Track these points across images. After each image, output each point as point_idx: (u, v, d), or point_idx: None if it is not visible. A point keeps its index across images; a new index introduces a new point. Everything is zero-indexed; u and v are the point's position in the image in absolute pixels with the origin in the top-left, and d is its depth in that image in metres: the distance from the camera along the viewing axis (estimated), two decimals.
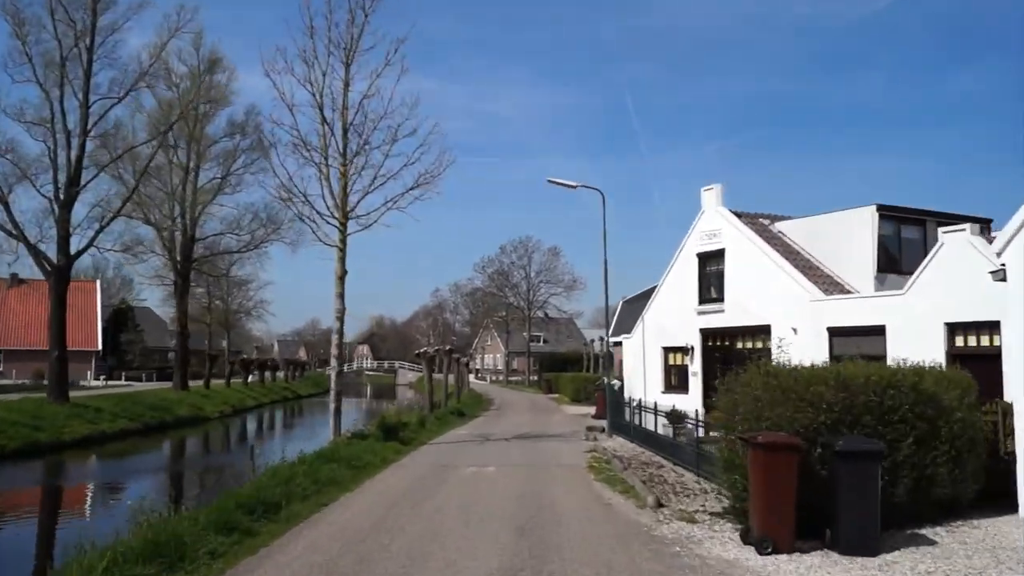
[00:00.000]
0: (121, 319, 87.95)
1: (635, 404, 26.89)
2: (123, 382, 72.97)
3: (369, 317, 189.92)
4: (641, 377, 33.56)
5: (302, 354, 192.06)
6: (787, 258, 25.78)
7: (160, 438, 42.00)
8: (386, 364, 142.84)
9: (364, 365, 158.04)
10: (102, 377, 70.87)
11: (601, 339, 65.67)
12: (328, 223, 25.78)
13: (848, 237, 25.39)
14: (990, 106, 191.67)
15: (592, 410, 42.90)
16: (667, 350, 32.22)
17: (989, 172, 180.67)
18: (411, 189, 25.77)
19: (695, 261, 29.46)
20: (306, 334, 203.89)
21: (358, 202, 25.77)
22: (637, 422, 26.18)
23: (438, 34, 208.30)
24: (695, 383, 29.19)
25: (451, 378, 52.00)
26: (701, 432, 19.08)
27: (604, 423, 31.20)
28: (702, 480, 16.83)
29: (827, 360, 17.27)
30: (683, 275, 30.08)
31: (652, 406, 25.29)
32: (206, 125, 58.20)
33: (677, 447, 20.71)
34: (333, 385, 26.62)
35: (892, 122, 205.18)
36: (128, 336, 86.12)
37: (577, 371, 72.63)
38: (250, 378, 76.85)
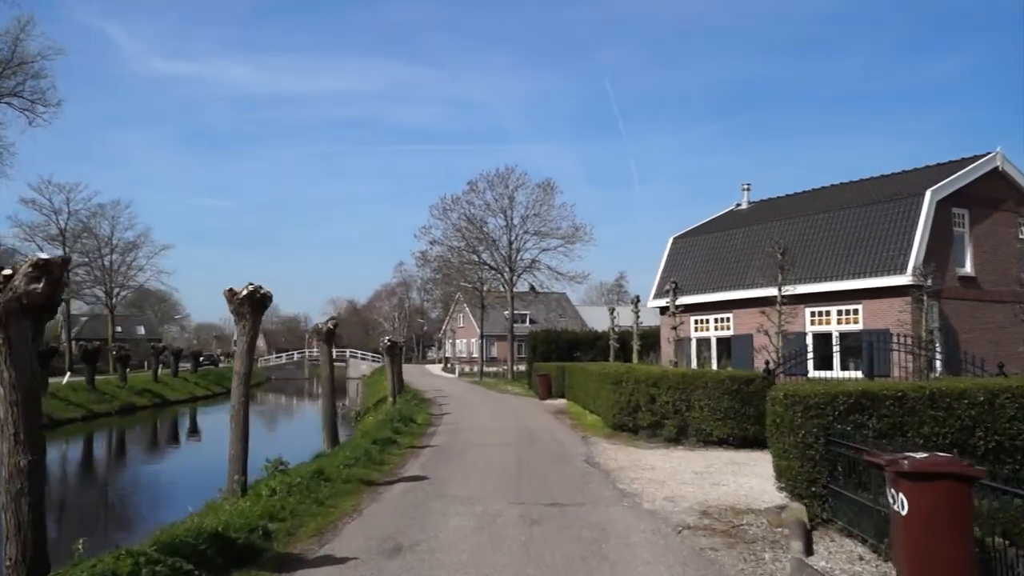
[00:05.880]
0: None
1: None
2: None
3: (329, 300, 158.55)
4: None
5: (260, 343, 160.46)
6: None
7: None
8: (334, 353, 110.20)
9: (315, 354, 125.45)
10: None
11: (637, 302, 33.51)
12: None
13: None
14: (967, 89, 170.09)
15: (686, 461, 11.38)
16: None
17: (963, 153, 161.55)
18: None
19: None
20: (265, 322, 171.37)
21: None
22: None
23: (412, 18, 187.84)
24: None
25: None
26: None
27: None
28: None
29: None
30: None
31: None
32: None
33: None
34: None
35: (874, 105, 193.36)
36: None
37: (592, 358, 40.66)
38: (67, 377, 44.53)
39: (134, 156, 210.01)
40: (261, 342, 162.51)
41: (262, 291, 12.51)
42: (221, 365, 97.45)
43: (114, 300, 73.30)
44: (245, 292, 12.37)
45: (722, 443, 18.46)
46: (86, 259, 70.62)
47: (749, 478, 14.26)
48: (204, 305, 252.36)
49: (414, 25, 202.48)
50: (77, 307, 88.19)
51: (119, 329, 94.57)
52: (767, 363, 19.91)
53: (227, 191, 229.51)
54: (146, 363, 63.10)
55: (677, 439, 19.18)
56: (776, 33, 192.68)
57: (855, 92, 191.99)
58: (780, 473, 10.90)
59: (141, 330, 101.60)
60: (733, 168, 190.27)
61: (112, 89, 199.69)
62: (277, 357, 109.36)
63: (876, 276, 26.28)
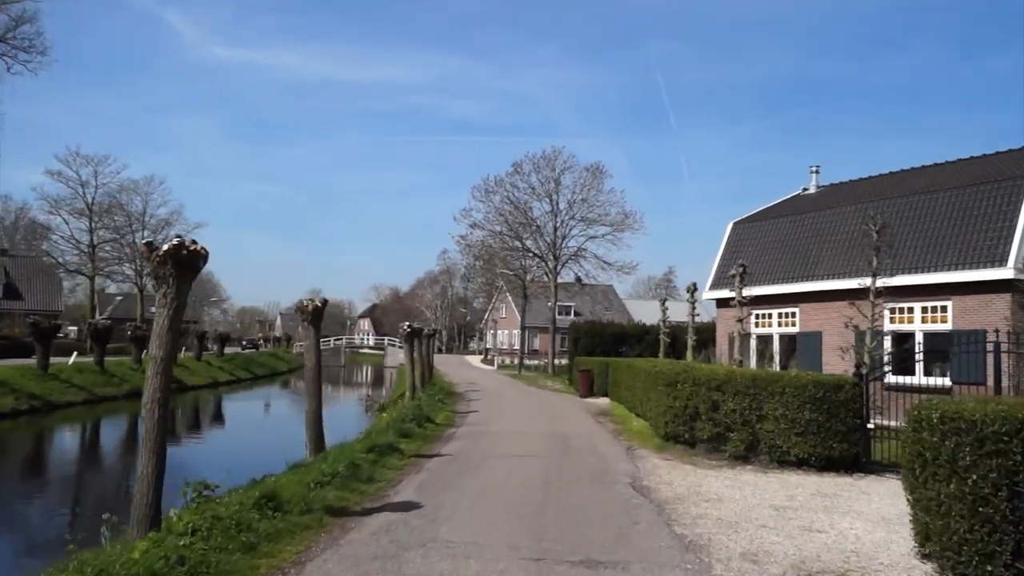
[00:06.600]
0: None
1: None
2: None
3: (372, 287, 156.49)
4: None
5: (302, 329, 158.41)
6: None
7: None
8: (371, 340, 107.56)
9: (365, 341, 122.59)
10: None
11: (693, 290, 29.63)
12: None
13: None
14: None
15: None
16: None
17: None
18: None
19: None
20: None
21: None
22: None
23: (464, 10, 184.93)
24: None
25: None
26: None
27: None
28: None
29: None
30: None
31: None
32: None
33: None
34: None
35: (927, 104, 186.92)
36: None
37: (639, 354, 36.95)
38: (73, 357, 41.85)
39: (184, 141, 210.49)
40: (302, 328, 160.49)
41: (192, 247, 9.09)
42: (261, 349, 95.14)
43: (143, 279, 70.81)
44: (168, 247, 8.95)
45: (801, 464, 14.76)
46: (115, 235, 68.16)
47: (851, 520, 10.59)
48: (248, 289, 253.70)
49: (466, 17, 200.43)
50: (105, 285, 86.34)
51: (153, 310, 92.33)
52: (858, 366, 16.07)
53: (275, 177, 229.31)
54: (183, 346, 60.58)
55: (745, 457, 15.48)
56: (830, 28, 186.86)
57: (911, 90, 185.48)
58: (927, 534, 7.24)
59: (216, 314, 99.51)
60: (784, 165, 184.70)
61: (166, 75, 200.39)
62: None
63: (969, 269, 22.34)
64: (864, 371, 15.60)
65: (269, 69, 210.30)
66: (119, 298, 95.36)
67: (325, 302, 14.80)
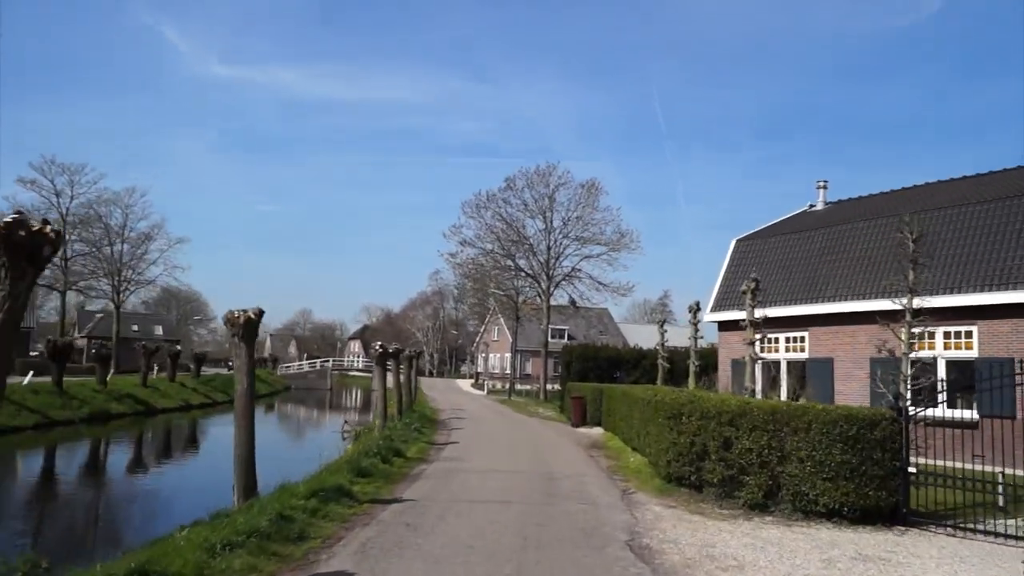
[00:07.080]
0: None
1: None
2: None
3: (363, 308, 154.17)
4: None
5: (292, 350, 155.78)
6: None
7: None
8: (360, 363, 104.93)
9: (355, 363, 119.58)
10: None
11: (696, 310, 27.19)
12: None
13: None
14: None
15: None
16: None
17: None
18: None
19: None
20: (296, 327, 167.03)
21: None
22: None
23: (465, 32, 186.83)
24: None
25: None
26: None
27: None
28: None
29: None
30: None
31: None
32: None
33: None
34: None
35: (926, 133, 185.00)
36: None
37: (635, 380, 34.52)
38: (28, 376, 39.23)
39: (178, 158, 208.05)
40: (292, 348, 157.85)
41: (41, 228, 6.62)
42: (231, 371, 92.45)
43: (121, 295, 68.11)
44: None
45: (831, 515, 12.30)
46: (91, 248, 65.58)
47: None
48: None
49: (465, 39, 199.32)
50: (84, 303, 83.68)
51: (135, 328, 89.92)
52: (896, 397, 13.63)
53: (269, 196, 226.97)
54: (156, 365, 57.86)
55: (763, 505, 12.98)
56: (828, 57, 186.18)
57: (910, 119, 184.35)
58: None
59: (159, 330, 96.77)
60: (780, 193, 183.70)
61: (162, 92, 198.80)
62: (299, 366, 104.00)
63: (997, 290, 20.05)
64: (904, 404, 13.14)
65: (267, 87, 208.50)
66: (99, 315, 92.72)
67: (261, 313, 12.21)
